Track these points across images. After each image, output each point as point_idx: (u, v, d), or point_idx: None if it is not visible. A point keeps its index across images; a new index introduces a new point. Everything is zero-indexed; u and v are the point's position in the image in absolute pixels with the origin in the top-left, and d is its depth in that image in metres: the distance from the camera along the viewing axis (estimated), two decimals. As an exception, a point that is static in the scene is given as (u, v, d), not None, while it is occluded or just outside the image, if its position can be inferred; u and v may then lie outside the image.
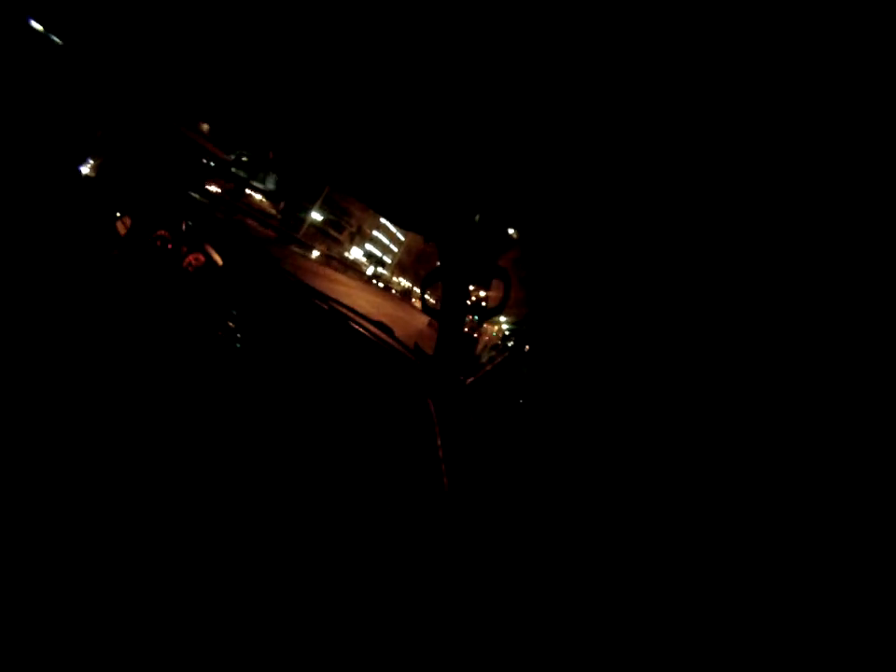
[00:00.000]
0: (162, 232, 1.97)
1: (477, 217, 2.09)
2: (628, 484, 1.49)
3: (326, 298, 2.20)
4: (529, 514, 1.71)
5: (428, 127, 1.94)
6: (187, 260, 2.00)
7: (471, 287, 2.13)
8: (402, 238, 46.04)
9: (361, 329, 2.17)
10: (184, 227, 2.02)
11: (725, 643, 1.00)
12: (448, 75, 1.69)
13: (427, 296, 2.27)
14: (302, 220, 30.06)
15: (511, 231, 2.03)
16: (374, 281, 39.47)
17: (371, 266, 43.40)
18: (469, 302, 2.10)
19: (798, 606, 0.91)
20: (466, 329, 2.11)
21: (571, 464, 1.70)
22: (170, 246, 1.98)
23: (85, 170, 1.84)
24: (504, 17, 1.38)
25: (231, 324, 2.11)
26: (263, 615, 1.27)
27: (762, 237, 1.07)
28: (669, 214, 1.26)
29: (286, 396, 2.09)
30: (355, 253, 41.05)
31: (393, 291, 42.36)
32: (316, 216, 31.40)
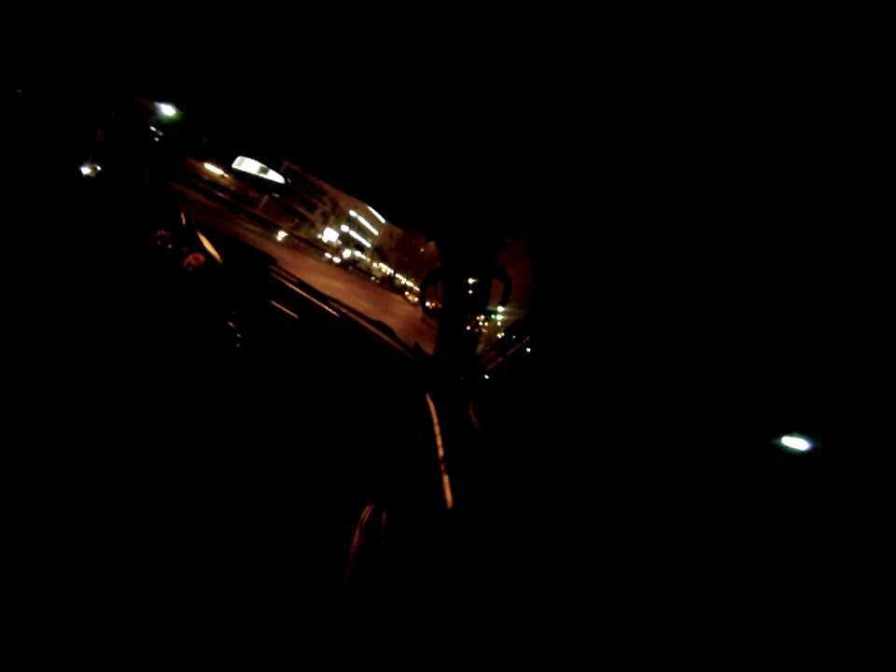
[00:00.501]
0: (162, 232, 1.96)
1: (478, 217, 2.10)
2: (635, 486, 1.52)
3: (325, 298, 2.21)
4: (531, 515, 1.74)
5: (428, 124, 1.94)
6: (187, 260, 2.00)
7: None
8: (383, 220, 43.78)
9: (361, 330, 2.19)
10: (184, 221, 2.01)
11: (727, 644, 1.02)
12: (447, 68, 1.70)
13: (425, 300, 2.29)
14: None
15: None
16: (350, 267, 35.76)
17: (347, 250, 39.27)
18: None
19: (799, 606, 0.94)
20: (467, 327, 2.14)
21: (575, 463, 1.74)
22: (170, 246, 1.97)
23: (85, 170, 1.82)
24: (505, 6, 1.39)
25: (231, 324, 2.11)
26: (255, 619, 1.30)
27: (768, 236, 1.10)
28: (674, 213, 1.29)
29: (285, 396, 2.10)
30: (329, 235, 36.76)
31: (373, 278, 38.80)
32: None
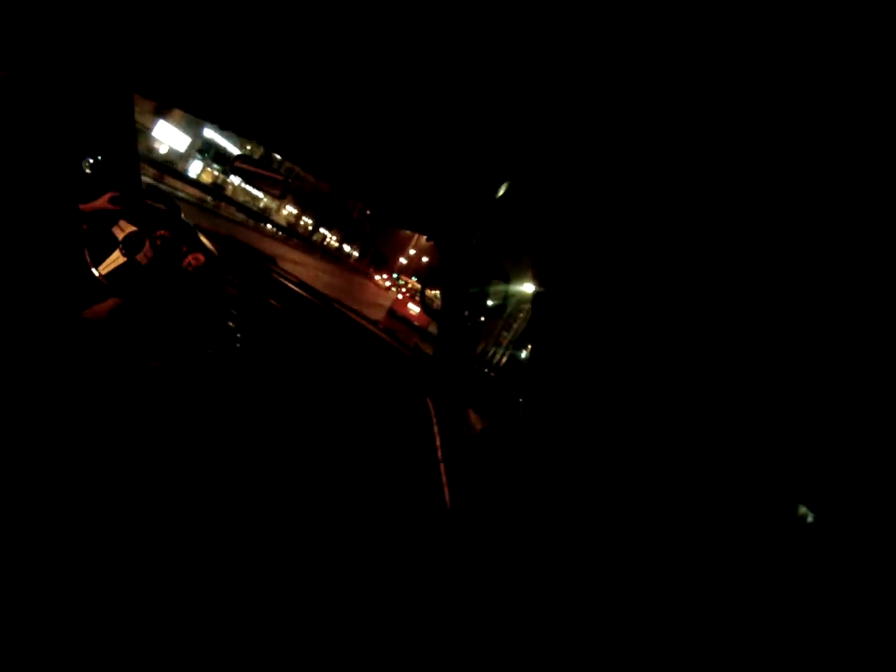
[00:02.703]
0: (162, 232, 1.91)
1: (478, 217, 2.17)
2: (634, 487, 1.64)
3: (326, 298, 2.23)
4: (530, 516, 1.85)
5: (429, 123, 1.98)
6: (186, 260, 1.97)
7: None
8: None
9: (361, 330, 2.23)
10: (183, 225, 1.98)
11: (727, 645, 1.11)
12: (448, 65, 1.74)
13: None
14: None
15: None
16: (210, 199, 20.62)
17: (197, 161, 22.87)
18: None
19: (799, 607, 1.06)
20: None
21: (573, 465, 1.87)
22: (170, 247, 1.93)
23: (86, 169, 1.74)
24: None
25: (231, 324, 2.11)
26: (256, 621, 1.32)
27: (766, 237, 1.11)
28: (676, 214, 1.30)
29: (284, 396, 2.14)
30: (168, 136, 19.72)
31: (268, 227, 26.53)
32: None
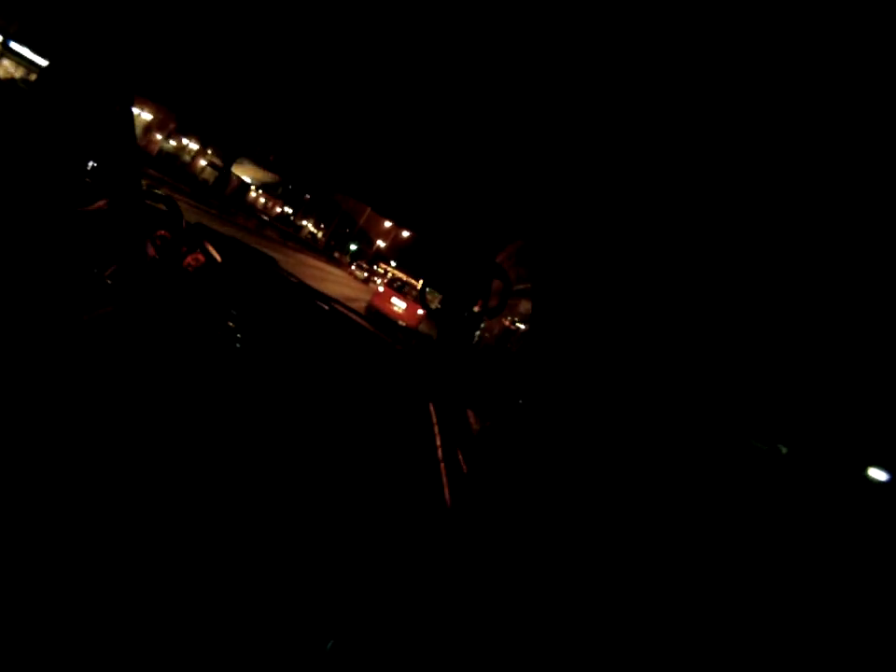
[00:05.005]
0: (162, 232, 1.94)
1: (478, 218, 2.18)
2: (633, 488, 1.67)
3: (326, 299, 2.26)
4: (530, 515, 1.87)
5: (429, 126, 1.99)
6: (186, 261, 2.00)
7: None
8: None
9: (360, 330, 2.26)
10: (184, 226, 2.00)
11: (726, 644, 1.13)
12: (446, 66, 1.75)
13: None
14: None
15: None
16: None
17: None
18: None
19: (798, 606, 1.11)
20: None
21: (573, 465, 1.90)
22: (170, 247, 1.96)
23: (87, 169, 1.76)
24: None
25: (231, 324, 2.14)
26: (253, 619, 1.35)
27: (765, 238, 1.08)
28: (674, 213, 1.31)
29: (284, 395, 2.16)
30: None
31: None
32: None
